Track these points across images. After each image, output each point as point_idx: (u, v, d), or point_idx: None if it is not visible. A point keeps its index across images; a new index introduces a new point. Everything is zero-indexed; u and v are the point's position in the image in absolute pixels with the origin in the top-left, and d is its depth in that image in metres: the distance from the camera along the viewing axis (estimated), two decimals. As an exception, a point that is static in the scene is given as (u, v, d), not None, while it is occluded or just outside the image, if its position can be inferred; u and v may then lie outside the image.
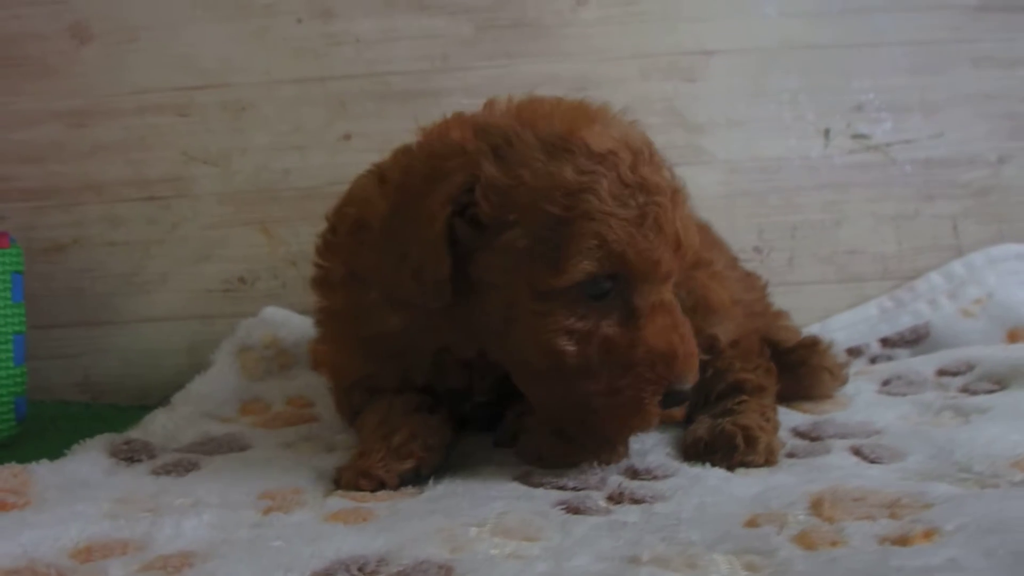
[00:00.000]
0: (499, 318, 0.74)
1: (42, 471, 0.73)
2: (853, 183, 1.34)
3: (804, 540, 0.55)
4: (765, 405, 0.87)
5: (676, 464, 0.77)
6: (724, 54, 1.34)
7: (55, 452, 0.84)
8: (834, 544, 0.55)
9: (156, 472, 0.79)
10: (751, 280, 1.07)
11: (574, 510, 0.65)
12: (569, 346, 0.71)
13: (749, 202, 1.34)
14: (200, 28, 1.33)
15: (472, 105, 1.28)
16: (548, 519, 0.63)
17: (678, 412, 0.88)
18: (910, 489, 0.65)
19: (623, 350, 0.71)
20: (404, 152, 0.82)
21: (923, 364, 1.11)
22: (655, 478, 0.74)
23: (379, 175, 0.83)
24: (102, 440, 0.85)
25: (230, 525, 0.62)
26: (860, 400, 1.00)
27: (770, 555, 0.53)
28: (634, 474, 0.74)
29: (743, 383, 0.90)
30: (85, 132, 1.33)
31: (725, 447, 0.79)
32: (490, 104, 0.80)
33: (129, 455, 0.82)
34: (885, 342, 1.26)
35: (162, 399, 1.11)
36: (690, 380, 0.73)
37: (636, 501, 0.67)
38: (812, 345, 1.03)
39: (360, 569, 0.53)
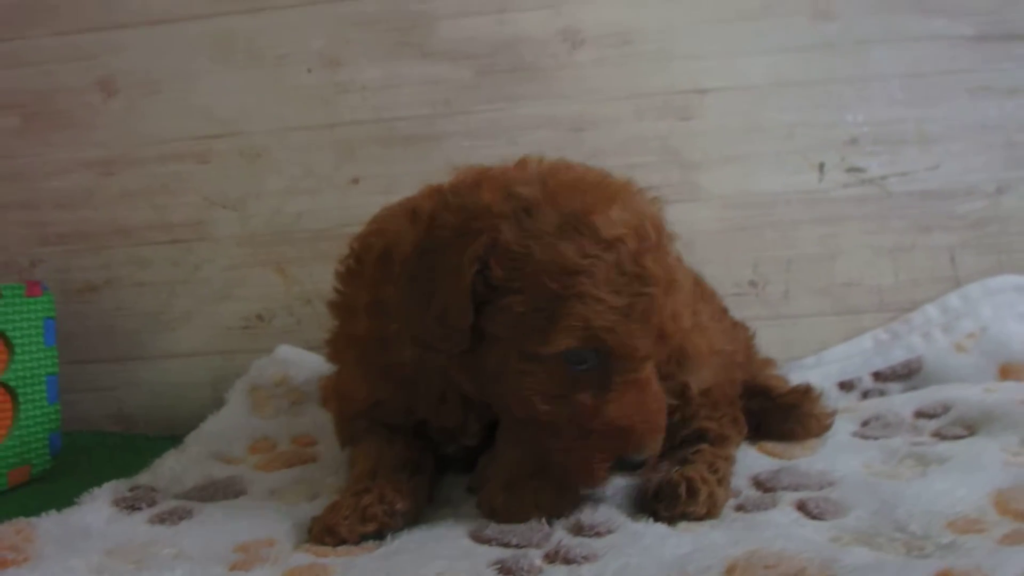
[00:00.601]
0: (494, 367, 0.81)
1: (46, 524, 0.82)
2: (849, 216, 1.37)
3: (697, 611, 0.61)
4: (718, 455, 0.92)
5: (622, 519, 0.82)
6: (718, 92, 1.38)
7: (87, 484, 0.95)
8: (724, 616, 0.60)
9: (152, 521, 0.87)
10: (736, 331, 1.13)
11: (507, 571, 0.71)
12: (543, 405, 0.80)
13: (744, 237, 1.38)
14: (217, 80, 1.43)
15: (473, 147, 1.39)
16: (480, 580, 0.69)
17: None
18: (824, 555, 0.69)
19: (586, 418, 0.79)
20: (436, 193, 0.86)
21: (903, 404, 1.14)
22: (597, 534, 0.78)
23: (411, 210, 0.87)
24: (109, 488, 0.94)
25: (195, 581, 0.70)
26: (832, 443, 1.04)
27: (659, 627, 0.59)
28: (579, 529, 0.80)
29: (705, 431, 0.96)
30: (113, 180, 1.45)
31: (668, 497, 0.84)
32: (523, 164, 0.86)
33: (131, 503, 0.91)
34: (877, 376, 1.29)
35: (188, 429, 1.22)
36: (646, 452, 0.81)
37: (568, 561, 0.73)
38: (806, 392, 1.10)
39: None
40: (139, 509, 0.91)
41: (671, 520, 0.82)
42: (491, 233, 0.78)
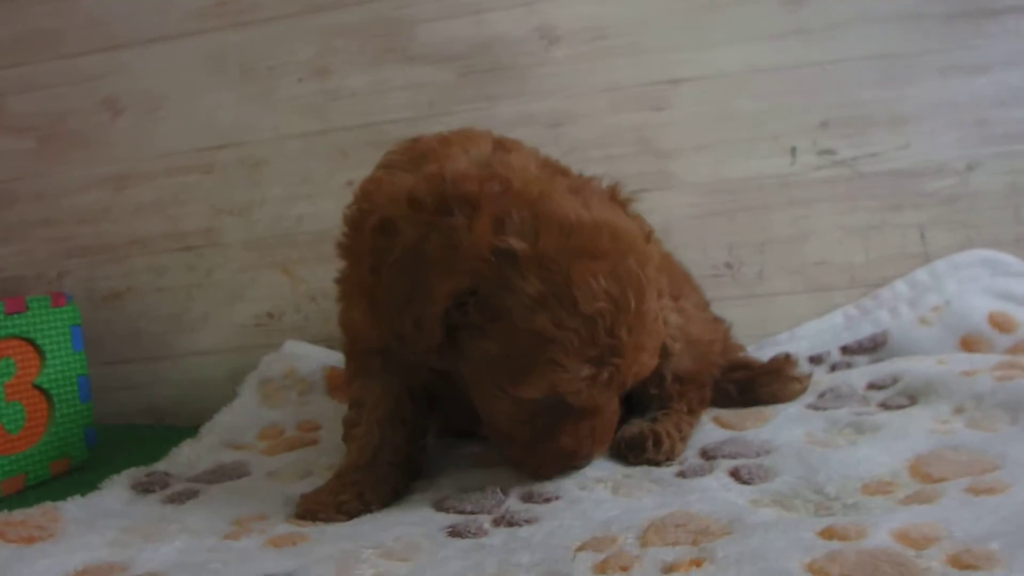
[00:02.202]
0: (468, 376, 0.94)
1: (70, 507, 1.00)
2: (820, 198, 1.47)
3: (603, 566, 0.73)
4: (684, 419, 1.08)
5: (569, 487, 0.95)
6: (690, 82, 1.49)
7: (120, 471, 1.13)
8: (623, 569, 0.72)
9: (163, 501, 1.05)
10: (716, 324, 1.26)
11: (457, 534, 0.85)
12: (506, 425, 0.95)
13: (719, 221, 1.49)
14: (215, 94, 1.59)
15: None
16: (432, 541, 0.83)
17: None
18: (732, 515, 0.81)
19: (540, 438, 0.94)
20: (435, 181, 0.91)
21: (858, 377, 1.24)
22: (546, 500, 0.92)
23: (408, 195, 0.92)
24: (128, 474, 1.12)
25: (192, 550, 0.86)
26: (784, 415, 1.14)
27: (565, 577, 0.73)
28: (529, 497, 0.94)
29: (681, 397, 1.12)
30: (127, 194, 1.63)
31: (637, 447, 1.02)
32: (525, 190, 0.88)
33: (146, 487, 1.09)
34: (845, 350, 1.39)
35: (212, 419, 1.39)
36: (589, 461, 0.99)
37: (511, 524, 0.86)
38: (786, 358, 1.24)
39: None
40: (153, 491, 1.08)
41: (635, 464, 1.01)
42: (473, 278, 0.85)
